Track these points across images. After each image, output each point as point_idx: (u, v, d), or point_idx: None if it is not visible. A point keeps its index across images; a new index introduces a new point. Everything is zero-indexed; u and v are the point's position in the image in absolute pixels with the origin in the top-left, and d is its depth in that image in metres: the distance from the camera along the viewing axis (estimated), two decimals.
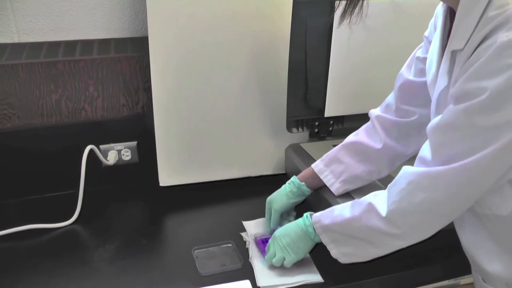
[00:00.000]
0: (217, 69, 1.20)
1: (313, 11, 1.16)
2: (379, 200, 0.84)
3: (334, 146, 1.26)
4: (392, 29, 1.19)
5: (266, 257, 0.99)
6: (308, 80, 1.23)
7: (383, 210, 0.82)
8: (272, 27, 1.20)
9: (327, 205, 1.07)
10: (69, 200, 1.18)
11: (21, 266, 1.01)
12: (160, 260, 1.05)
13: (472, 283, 0.94)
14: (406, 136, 1.01)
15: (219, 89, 1.22)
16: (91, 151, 1.18)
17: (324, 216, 0.93)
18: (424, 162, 0.77)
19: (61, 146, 1.23)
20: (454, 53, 0.76)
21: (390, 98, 1.03)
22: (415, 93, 0.97)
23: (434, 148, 0.76)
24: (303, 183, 1.08)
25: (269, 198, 1.10)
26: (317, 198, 1.10)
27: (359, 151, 1.04)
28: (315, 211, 0.96)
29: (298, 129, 1.31)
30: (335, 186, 1.05)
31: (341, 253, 0.92)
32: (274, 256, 0.97)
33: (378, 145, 1.02)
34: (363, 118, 1.14)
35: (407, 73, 0.99)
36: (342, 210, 0.90)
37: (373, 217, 0.83)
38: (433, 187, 0.75)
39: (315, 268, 0.99)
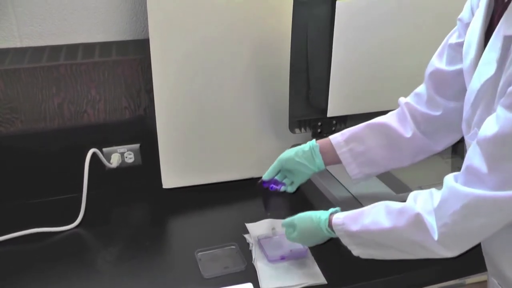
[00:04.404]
0: (218, 71, 1.20)
1: (314, 10, 1.15)
2: (426, 210, 0.75)
3: None
4: (396, 27, 1.18)
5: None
6: (310, 80, 1.23)
7: (433, 229, 0.74)
8: (273, 31, 1.20)
9: (329, 205, 1.06)
10: (73, 204, 1.18)
11: (24, 269, 1.02)
12: (163, 263, 1.05)
13: (478, 283, 0.93)
14: (437, 131, 0.93)
15: (221, 90, 1.22)
16: (94, 154, 1.18)
17: (350, 220, 0.85)
18: (478, 176, 0.69)
19: (63, 150, 1.23)
20: (507, 39, 0.66)
21: (421, 88, 0.95)
22: (447, 84, 0.89)
23: (491, 162, 0.67)
24: (317, 145, 1.00)
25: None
26: (318, 197, 1.10)
27: (387, 135, 0.97)
28: (315, 208, 0.93)
29: (301, 130, 1.30)
30: (351, 167, 0.98)
31: (365, 254, 0.87)
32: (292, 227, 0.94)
33: (408, 134, 0.95)
34: (367, 117, 1.13)
35: (438, 61, 0.90)
36: (375, 217, 0.81)
37: (421, 233, 0.75)
38: (492, 213, 0.69)
39: (318, 270, 0.98)
